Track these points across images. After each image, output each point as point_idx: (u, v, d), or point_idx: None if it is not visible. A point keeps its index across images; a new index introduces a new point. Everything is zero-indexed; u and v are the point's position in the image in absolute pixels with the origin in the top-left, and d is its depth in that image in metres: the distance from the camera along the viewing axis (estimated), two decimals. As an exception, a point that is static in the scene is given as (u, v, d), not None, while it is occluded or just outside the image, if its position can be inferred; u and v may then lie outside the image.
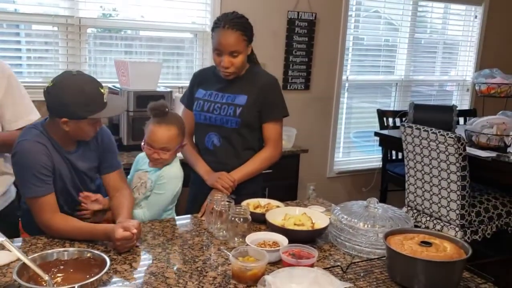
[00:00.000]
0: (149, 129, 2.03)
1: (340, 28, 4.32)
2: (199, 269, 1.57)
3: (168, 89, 3.29)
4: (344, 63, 4.44)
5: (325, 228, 1.81)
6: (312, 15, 4.11)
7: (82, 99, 1.71)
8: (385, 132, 4.24)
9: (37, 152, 1.74)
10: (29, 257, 1.38)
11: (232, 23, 2.04)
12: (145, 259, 1.63)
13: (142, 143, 2.05)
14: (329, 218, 1.84)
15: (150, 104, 2.05)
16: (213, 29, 2.11)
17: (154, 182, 2.02)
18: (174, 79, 3.79)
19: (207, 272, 1.55)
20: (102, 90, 1.78)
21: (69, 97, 1.71)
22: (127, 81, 3.09)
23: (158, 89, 3.24)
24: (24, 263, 1.35)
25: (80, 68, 3.26)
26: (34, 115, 2.06)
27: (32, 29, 3.33)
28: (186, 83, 3.55)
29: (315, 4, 4.12)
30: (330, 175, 4.60)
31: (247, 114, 2.15)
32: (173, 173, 2.04)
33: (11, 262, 1.51)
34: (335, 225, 1.80)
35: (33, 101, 3.16)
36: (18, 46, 3.31)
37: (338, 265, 1.60)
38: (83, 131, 1.80)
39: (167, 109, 2.04)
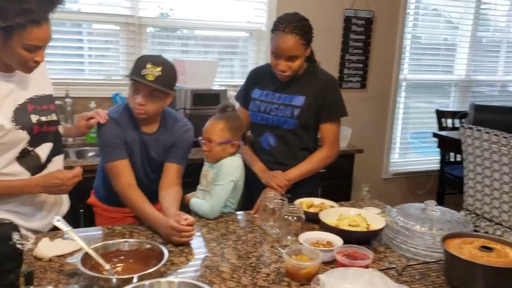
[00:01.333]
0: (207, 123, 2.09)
1: (398, 26, 4.23)
2: (252, 265, 1.59)
3: (223, 87, 3.34)
4: (401, 62, 4.35)
5: (381, 230, 1.78)
6: (369, 13, 4.05)
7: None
8: (443, 133, 4.11)
9: (109, 125, 1.94)
10: (92, 247, 1.44)
11: (292, 27, 2.02)
12: (200, 253, 1.67)
13: None
14: (385, 220, 1.81)
15: (220, 105, 2.14)
16: (272, 31, 2.10)
17: (215, 173, 2.03)
18: (228, 77, 3.84)
19: (260, 269, 1.56)
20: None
21: None
22: (184, 79, 3.16)
23: (213, 88, 3.30)
24: (87, 252, 1.42)
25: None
26: None
27: (93, 28, 3.48)
28: (240, 81, 3.61)
29: (373, 2, 4.06)
30: (385, 176, 4.51)
31: (304, 116, 2.14)
32: (231, 165, 2.03)
33: (75, 251, 1.59)
34: (391, 227, 1.76)
35: (97, 98, 3.30)
36: (80, 45, 3.46)
37: (393, 267, 1.57)
38: None
39: (228, 109, 2.08)
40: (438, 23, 4.66)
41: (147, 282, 1.25)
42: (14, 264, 1.32)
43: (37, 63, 1.63)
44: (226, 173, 2.00)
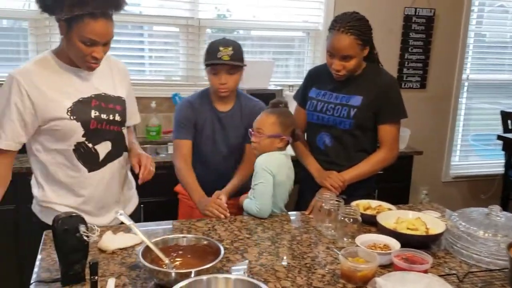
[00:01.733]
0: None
1: (461, 24, 4.08)
2: (307, 265, 1.58)
3: (279, 87, 3.35)
4: (464, 61, 4.18)
5: (441, 234, 1.72)
6: (430, 11, 3.93)
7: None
8: (509, 135, 3.91)
9: (183, 107, 2.28)
10: (152, 241, 1.49)
11: (347, 27, 1.99)
12: (255, 251, 1.68)
13: None
14: (445, 224, 1.75)
15: (273, 100, 2.18)
16: (329, 29, 2.08)
17: (253, 175, 2.05)
18: (283, 77, 3.85)
19: (315, 269, 1.56)
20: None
21: None
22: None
23: (269, 87, 3.31)
24: (147, 246, 1.46)
25: (198, 67, 3.44)
26: (138, 117, 2.09)
27: (153, 30, 3.59)
28: (295, 81, 3.63)
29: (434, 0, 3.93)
30: (445, 179, 4.36)
31: (361, 116, 2.11)
32: (262, 160, 2.01)
33: (136, 245, 1.65)
34: (451, 232, 1.71)
35: (157, 98, 3.40)
36: (141, 46, 3.58)
37: (454, 274, 1.52)
38: None
39: (280, 105, 2.11)
40: (506, 20, 4.44)
41: (204, 277, 1.27)
42: (80, 255, 1.39)
43: (96, 60, 1.67)
44: (259, 170, 2.00)
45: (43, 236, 1.71)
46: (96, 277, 1.28)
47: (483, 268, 1.58)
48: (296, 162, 2.25)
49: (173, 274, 1.36)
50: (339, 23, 2.02)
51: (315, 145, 2.24)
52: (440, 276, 1.46)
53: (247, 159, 2.26)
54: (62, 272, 1.38)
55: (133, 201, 2.07)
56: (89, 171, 1.79)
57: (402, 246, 1.60)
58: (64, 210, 1.71)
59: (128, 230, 1.66)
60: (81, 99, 1.73)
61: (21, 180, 2.66)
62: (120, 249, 1.62)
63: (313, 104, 2.22)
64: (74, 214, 1.40)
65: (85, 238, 1.37)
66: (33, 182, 1.88)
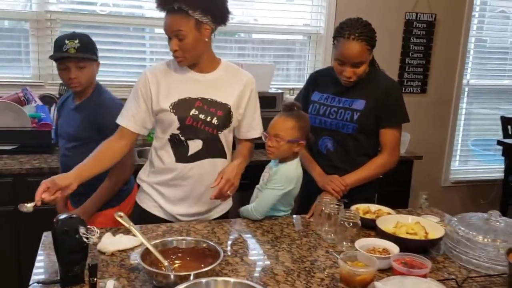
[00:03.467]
0: (271, 121, 2.06)
1: (462, 29, 4.09)
2: (307, 269, 1.58)
3: (279, 91, 3.36)
4: (464, 66, 4.19)
5: (440, 239, 1.72)
6: (431, 16, 3.94)
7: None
8: (509, 141, 3.91)
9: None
10: (151, 243, 1.49)
11: (356, 34, 1.98)
12: (254, 254, 1.68)
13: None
14: (445, 229, 1.75)
15: (285, 102, 2.16)
16: (336, 37, 2.06)
17: (270, 177, 2.02)
18: (283, 80, 3.86)
19: (315, 273, 1.56)
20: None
21: None
22: (241, 82, 3.20)
23: (269, 91, 3.32)
24: (147, 248, 1.46)
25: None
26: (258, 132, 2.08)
27: (155, 33, 3.59)
28: (296, 85, 3.63)
29: (435, 4, 3.94)
30: (445, 184, 4.36)
31: (365, 120, 2.11)
32: (287, 172, 2.01)
33: (135, 247, 1.65)
34: (451, 237, 1.71)
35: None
36: (143, 49, 3.59)
37: (453, 278, 1.52)
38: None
39: (295, 108, 2.05)
40: (506, 26, 4.45)
41: (203, 280, 1.27)
42: (80, 256, 1.39)
43: (173, 51, 1.83)
44: (280, 180, 1.99)
45: (42, 237, 1.71)
46: (95, 279, 1.28)
47: (482, 273, 1.58)
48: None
49: (172, 277, 1.36)
50: (347, 30, 2.00)
51: (317, 149, 2.23)
52: (439, 281, 1.46)
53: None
54: (61, 274, 1.38)
55: (222, 206, 2.04)
56: (177, 161, 1.91)
57: (401, 250, 1.60)
58: (147, 188, 1.99)
59: (127, 232, 1.66)
60: (186, 98, 1.88)
61: (21, 181, 2.67)
62: (119, 251, 1.62)
63: (315, 108, 2.22)
64: (74, 216, 1.40)
65: (85, 239, 1.37)
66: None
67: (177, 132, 1.89)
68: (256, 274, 1.54)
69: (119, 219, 1.56)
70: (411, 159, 3.53)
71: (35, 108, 2.95)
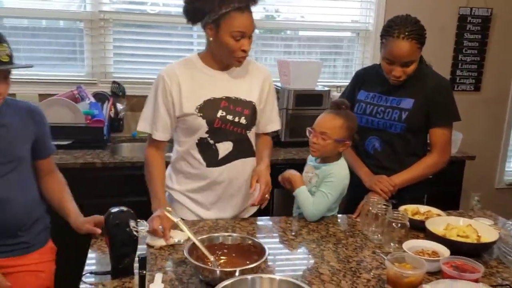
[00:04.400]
0: (319, 117, 2.02)
1: (520, 24, 3.90)
2: (353, 269, 1.56)
3: (326, 88, 3.32)
4: (523, 63, 4.01)
5: (493, 243, 1.66)
6: (487, 11, 3.79)
7: None
8: None
9: None
10: (198, 238, 1.52)
11: (406, 32, 1.92)
12: (299, 253, 1.68)
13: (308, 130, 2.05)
14: (499, 233, 1.68)
15: (333, 100, 2.12)
16: (384, 36, 2.01)
17: (320, 179, 1.98)
18: (330, 78, 3.81)
19: (361, 274, 1.54)
20: None
21: None
22: (288, 80, 3.20)
23: (316, 88, 3.29)
24: (194, 243, 1.49)
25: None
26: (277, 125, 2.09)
27: (202, 31, 3.62)
28: (343, 82, 3.58)
29: (491, -1, 3.79)
30: (499, 185, 4.19)
31: (413, 119, 2.06)
32: (343, 174, 1.99)
33: (183, 241, 1.68)
34: (505, 241, 1.64)
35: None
36: (190, 47, 3.64)
37: (507, 284, 1.47)
38: None
39: (344, 106, 2.01)
40: None
41: (249, 277, 1.28)
42: (130, 249, 1.44)
43: (245, 52, 1.78)
44: (337, 183, 1.96)
45: (95, 229, 1.77)
46: (144, 272, 1.32)
47: (539, 280, 1.51)
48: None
49: (218, 272, 1.38)
50: (396, 29, 1.95)
51: (363, 149, 2.20)
52: (492, 286, 1.41)
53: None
54: (113, 265, 1.43)
55: (250, 207, 2.04)
56: (207, 165, 1.88)
57: (452, 253, 1.55)
58: (178, 197, 1.95)
59: (175, 226, 1.69)
60: (211, 99, 1.84)
61: (75, 175, 2.77)
62: (167, 245, 1.66)
63: (361, 107, 2.18)
64: (125, 210, 1.44)
65: (135, 233, 1.42)
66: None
67: (206, 136, 1.85)
68: (301, 273, 1.53)
69: (167, 214, 1.60)
70: (463, 159, 3.41)
71: (88, 105, 3.06)
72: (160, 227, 1.65)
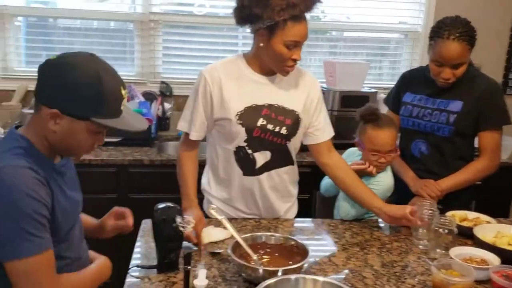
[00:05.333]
0: (370, 135, 1.97)
1: None
2: (397, 274, 1.54)
3: (372, 90, 3.28)
4: None
5: (546, 253, 1.59)
6: (543, 12, 3.63)
7: (94, 90, 1.21)
8: None
9: (28, 183, 1.17)
10: (242, 237, 1.53)
11: (457, 34, 1.88)
12: (343, 255, 1.67)
13: (357, 142, 2.05)
14: (553, 243, 1.62)
15: (361, 111, 2.03)
16: (433, 37, 1.97)
17: (369, 185, 1.96)
18: (375, 80, 3.76)
19: (405, 279, 1.51)
20: (123, 92, 1.30)
21: (77, 80, 1.20)
22: (334, 81, 3.18)
23: (362, 90, 3.25)
24: (237, 241, 1.50)
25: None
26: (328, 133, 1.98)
27: (247, 32, 3.65)
28: (388, 84, 3.51)
29: (550, -1, 3.62)
30: (553, 194, 3.99)
31: (462, 122, 2.00)
32: (389, 184, 1.97)
33: (226, 239, 1.70)
34: (560, 252, 1.57)
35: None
36: (235, 48, 3.67)
37: (562, 298, 1.40)
38: (75, 139, 1.26)
39: (377, 111, 2.00)
40: None
41: (293, 277, 1.29)
42: (176, 244, 1.47)
43: (295, 61, 1.74)
44: (381, 192, 1.95)
45: (142, 224, 1.82)
46: (189, 267, 1.34)
47: None
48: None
49: (260, 271, 1.39)
50: (446, 30, 1.90)
51: (409, 152, 2.15)
52: (545, 298, 1.35)
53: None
54: (159, 260, 1.47)
55: (286, 215, 2.01)
56: (244, 174, 1.85)
57: (502, 262, 1.50)
58: (214, 202, 1.90)
59: (218, 224, 1.72)
60: (253, 106, 1.78)
61: (123, 171, 2.85)
62: (211, 242, 1.68)
63: (408, 110, 2.14)
64: (172, 205, 1.48)
65: (181, 229, 1.45)
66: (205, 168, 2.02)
67: (244, 144, 1.80)
68: (344, 276, 1.52)
69: (212, 211, 1.63)
70: (514, 166, 3.28)
71: (138, 104, 3.14)
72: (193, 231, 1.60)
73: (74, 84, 1.19)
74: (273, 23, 1.65)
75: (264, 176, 1.85)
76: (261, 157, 1.83)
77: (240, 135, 1.79)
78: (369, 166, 1.95)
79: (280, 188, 1.92)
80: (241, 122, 1.77)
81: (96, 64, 1.24)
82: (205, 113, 1.82)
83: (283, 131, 1.81)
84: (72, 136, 1.25)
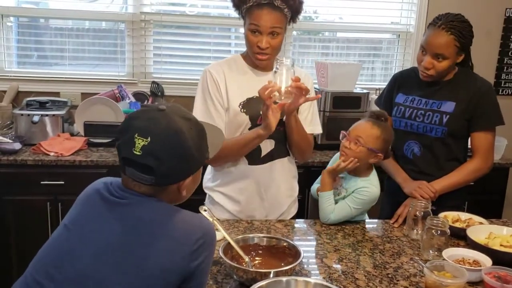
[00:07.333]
0: (356, 123, 1.98)
1: None
2: (389, 275, 1.53)
3: (364, 91, 3.27)
4: None
5: (539, 254, 1.59)
6: (535, 12, 3.64)
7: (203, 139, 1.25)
8: None
9: None
10: (233, 239, 1.52)
11: (448, 25, 1.90)
12: (335, 257, 1.66)
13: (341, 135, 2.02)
14: (545, 243, 1.61)
15: (372, 110, 2.09)
16: (429, 25, 2.01)
17: (348, 192, 1.93)
18: (368, 80, 3.76)
19: (398, 280, 1.50)
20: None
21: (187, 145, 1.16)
22: (325, 82, 3.17)
23: (354, 91, 3.25)
24: (228, 243, 1.49)
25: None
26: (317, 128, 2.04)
27: (239, 32, 3.65)
28: (381, 85, 3.51)
29: (541, -2, 3.64)
30: (545, 194, 4.01)
31: (455, 123, 2.00)
32: (376, 194, 1.92)
33: (218, 241, 1.68)
34: (552, 252, 1.57)
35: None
36: (228, 48, 3.66)
37: (554, 299, 1.40)
38: (196, 183, 1.32)
39: (383, 118, 1.97)
40: None
41: (284, 279, 1.28)
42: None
43: (261, 49, 1.79)
44: (367, 202, 1.91)
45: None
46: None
47: None
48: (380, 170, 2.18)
49: (252, 273, 1.37)
50: (441, 20, 1.94)
51: (401, 153, 2.14)
52: (537, 299, 1.35)
53: None
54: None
55: (291, 210, 2.05)
56: (249, 163, 1.90)
57: (494, 263, 1.49)
58: (219, 199, 1.96)
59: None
60: (254, 97, 1.84)
61: (114, 172, 2.83)
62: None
63: (400, 110, 2.13)
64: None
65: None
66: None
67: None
68: (336, 277, 1.51)
69: (203, 212, 1.61)
70: (506, 167, 3.29)
71: (128, 104, 3.12)
72: None
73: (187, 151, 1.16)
74: (244, 9, 1.79)
75: (269, 165, 1.91)
76: (265, 145, 1.89)
77: (245, 124, 1.86)
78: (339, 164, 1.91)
79: (284, 179, 1.97)
80: (245, 110, 1.85)
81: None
82: (221, 105, 1.87)
83: (284, 118, 1.86)
84: (195, 183, 1.30)
